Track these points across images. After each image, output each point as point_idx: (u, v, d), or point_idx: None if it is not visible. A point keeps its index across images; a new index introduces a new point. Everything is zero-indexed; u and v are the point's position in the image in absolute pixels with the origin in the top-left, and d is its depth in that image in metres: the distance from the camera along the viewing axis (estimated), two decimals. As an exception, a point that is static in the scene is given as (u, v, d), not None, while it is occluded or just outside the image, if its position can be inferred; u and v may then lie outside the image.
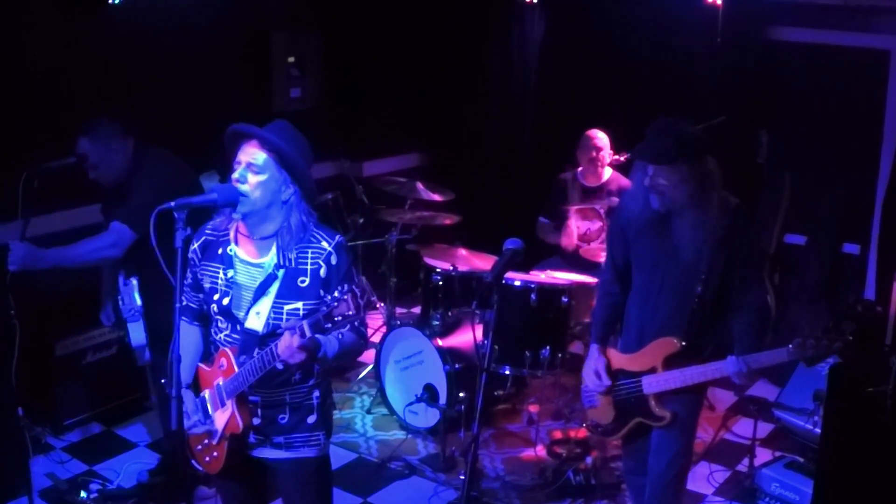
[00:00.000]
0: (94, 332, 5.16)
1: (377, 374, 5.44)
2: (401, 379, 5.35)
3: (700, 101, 5.99)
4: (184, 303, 3.10)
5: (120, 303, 4.26)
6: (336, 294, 2.70)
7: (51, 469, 4.69)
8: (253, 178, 2.88)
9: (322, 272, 2.94)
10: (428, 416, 5.17)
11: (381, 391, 5.43)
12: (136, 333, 4.27)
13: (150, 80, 5.31)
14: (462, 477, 4.39)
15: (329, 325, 2.69)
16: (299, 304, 2.94)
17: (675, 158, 3.36)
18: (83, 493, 4.48)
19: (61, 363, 5.07)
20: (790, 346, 3.31)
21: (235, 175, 2.90)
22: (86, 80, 4.98)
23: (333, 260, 2.95)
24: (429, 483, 4.78)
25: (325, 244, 2.96)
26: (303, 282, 2.95)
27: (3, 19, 4.73)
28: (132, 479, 4.69)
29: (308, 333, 2.71)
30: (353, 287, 2.72)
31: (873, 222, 5.87)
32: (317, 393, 3.11)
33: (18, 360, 4.20)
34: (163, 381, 2.98)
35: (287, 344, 2.75)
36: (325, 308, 2.69)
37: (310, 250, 2.95)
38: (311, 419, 3.11)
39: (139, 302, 4.09)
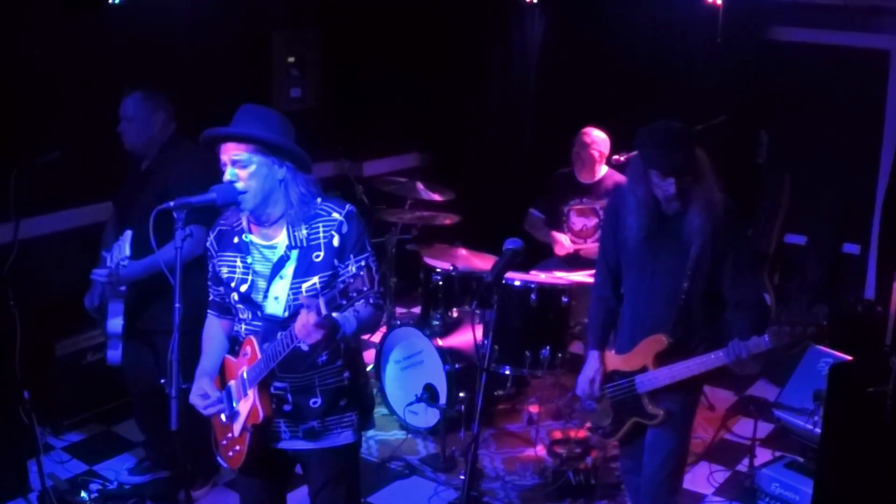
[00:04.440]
0: (94, 332, 5.15)
1: (377, 374, 5.44)
2: (401, 379, 5.35)
3: (700, 101, 5.99)
4: (210, 297, 3.17)
5: (107, 259, 4.16)
6: (353, 269, 2.68)
7: (51, 469, 4.69)
8: (243, 173, 2.89)
9: (335, 241, 2.94)
10: (428, 416, 5.17)
11: (381, 391, 5.43)
12: (115, 319, 4.21)
13: (149, 81, 5.30)
14: (462, 477, 4.38)
15: (344, 302, 2.66)
16: (315, 279, 2.93)
17: (695, 163, 3.39)
18: (83, 493, 4.48)
19: (61, 363, 5.07)
20: (766, 335, 3.32)
21: (227, 177, 2.91)
22: (85, 80, 4.98)
23: (345, 229, 2.94)
24: (429, 483, 4.78)
25: (335, 214, 2.96)
26: (317, 256, 2.94)
27: (3, 19, 4.73)
28: (132, 479, 4.69)
29: (324, 311, 2.68)
30: (369, 261, 2.72)
31: (873, 222, 5.88)
32: (347, 374, 3.08)
33: (19, 359, 4.22)
34: (162, 381, 2.97)
35: (303, 322, 2.73)
36: (340, 284, 2.67)
37: (321, 224, 2.95)
38: (343, 401, 3.09)
39: (128, 252, 4.03)
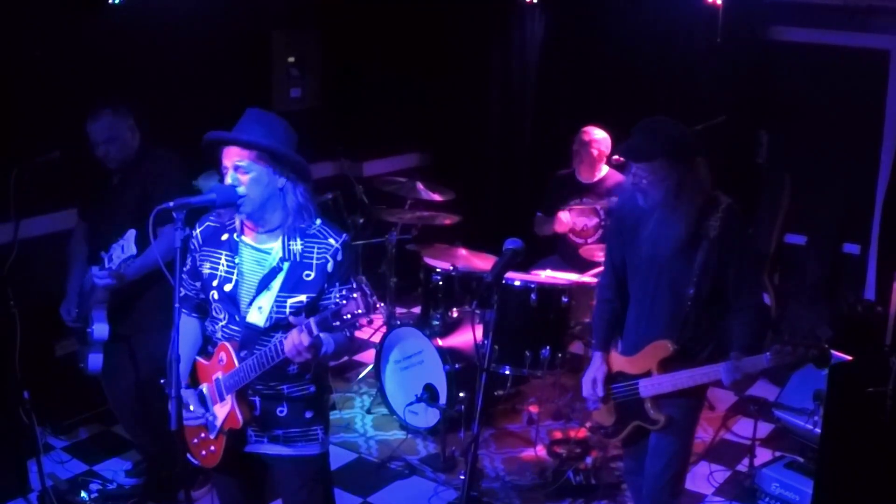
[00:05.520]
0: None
1: (377, 374, 5.44)
2: (401, 379, 5.35)
3: (700, 101, 5.99)
4: (182, 293, 3.09)
5: (106, 261, 4.06)
6: (343, 292, 2.71)
7: (51, 469, 4.69)
8: (245, 178, 2.91)
9: (329, 267, 2.97)
10: (428, 416, 5.17)
11: (381, 391, 5.43)
12: (100, 325, 4.19)
13: (149, 81, 5.30)
14: (462, 477, 4.40)
15: (337, 324, 2.69)
16: (303, 297, 2.96)
17: (653, 156, 3.37)
18: (83, 493, 4.48)
19: (61, 363, 5.07)
20: (768, 353, 3.32)
21: (228, 180, 2.92)
22: (85, 80, 4.98)
23: (340, 256, 2.99)
24: (429, 483, 4.78)
25: (332, 241, 2.99)
26: (308, 276, 2.97)
27: (3, 19, 4.72)
28: (130, 481, 4.69)
29: (315, 332, 2.72)
30: (363, 286, 2.75)
31: (873, 222, 5.88)
32: (313, 388, 3.11)
33: (19, 359, 4.22)
34: (162, 381, 2.97)
35: (296, 342, 2.76)
36: (333, 306, 2.70)
37: (317, 246, 2.98)
38: (309, 414, 3.12)
39: (134, 250, 4.00)
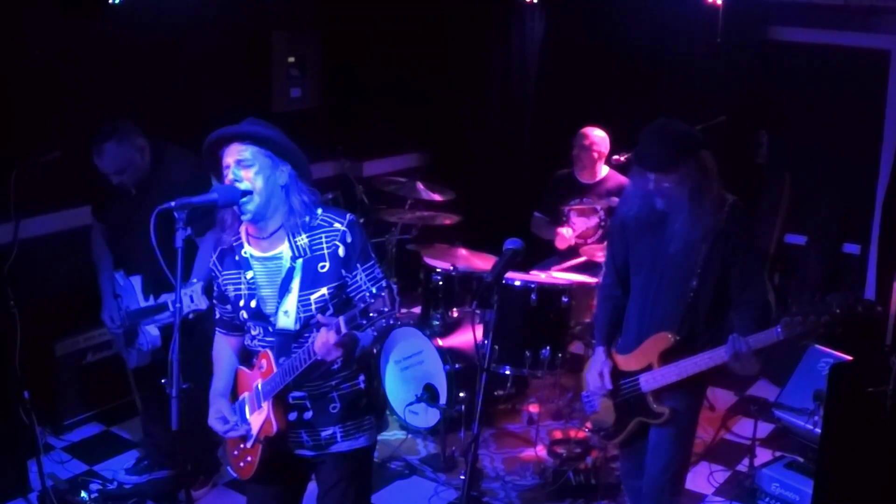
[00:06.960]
0: (94, 332, 5.16)
1: (377, 374, 5.44)
2: (401, 379, 5.35)
3: (700, 101, 6.00)
4: (217, 315, 3.17)
5: (170, 305, 4.09)
6: (365, 283, 2.75)
7: (51, 469, 4.69)
8: (248, 173, 2.89)
9: (340, 252, 2.94)
10: (428, 416, 5.17)
11: (382, 391, 5.42)
12: (154, 333, 4.20)
13: (149, 81, 5.30)
14: (462, 477, 4.39)
15: (364, 322, 2.69)
16: (324, 290, 2.93)
17: (677, 162, 3.37)
18: (83, 493, 4.48)
19: (61, 363, 5.07)
20: (778, 327, 3.30)
21: (230, 177, 2.90)
22: (86, 80, 4.98)
23: (349, 238, 2.95)
24: (429, 483, 4.78)
25: (337, 225, 2.96)
26: (323, 267, 2.94)
27: (3, 19, 4.73)
28: (130, 479, 4.69)
29: (344, 330, 2.71)
30: (390, 283, 2.77)
31: (873, 222, 5.87)
32: (362, 376, 3.10)
33: (19, 359, 4.22)
34: (163, 381, 2.96)
35: (323, 341, 2.75)
36: (360, 304, 2.69)
37: (324, 235, 2.95)
38: (363, 402, 3.11)
39: (206, 303, 3.92)
